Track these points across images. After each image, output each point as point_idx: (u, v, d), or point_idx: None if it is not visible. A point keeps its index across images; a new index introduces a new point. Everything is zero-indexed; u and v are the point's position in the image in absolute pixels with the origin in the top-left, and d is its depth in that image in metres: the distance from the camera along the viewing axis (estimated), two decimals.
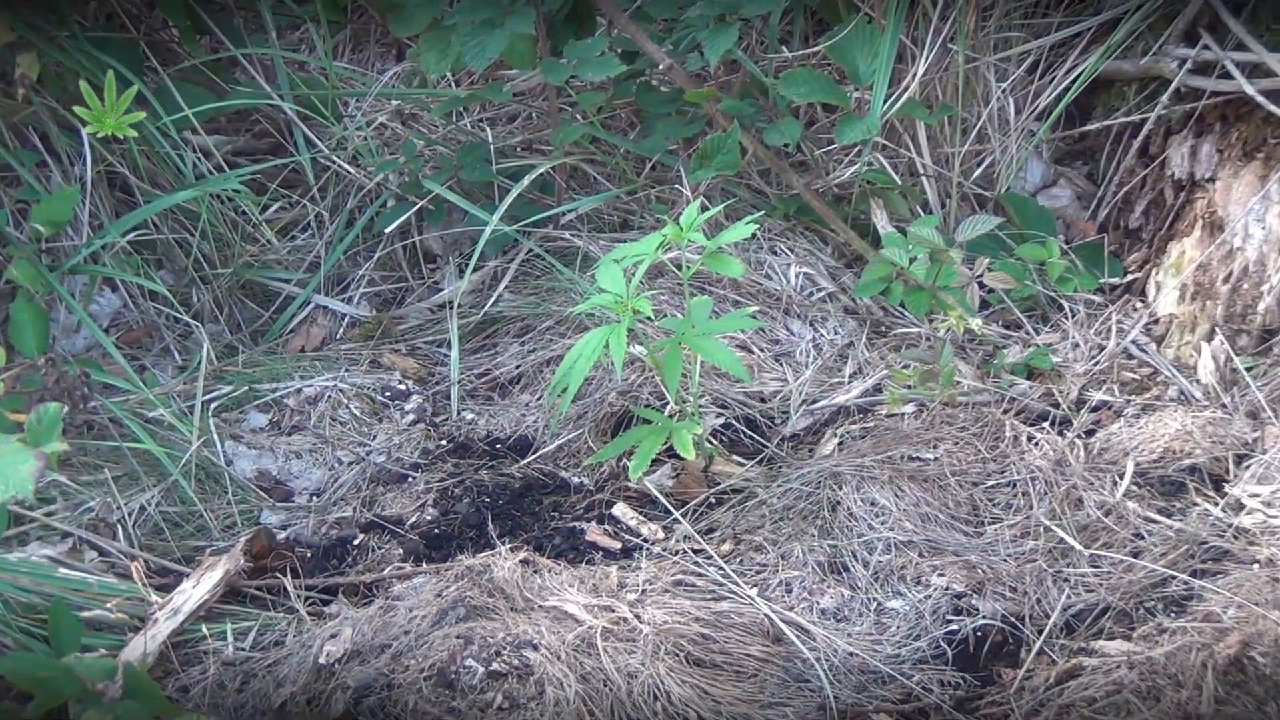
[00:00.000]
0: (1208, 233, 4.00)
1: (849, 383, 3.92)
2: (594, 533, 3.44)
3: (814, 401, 3.87)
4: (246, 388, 3.96)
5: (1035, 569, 3.20)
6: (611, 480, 3.65)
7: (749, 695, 2.92)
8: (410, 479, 3.70)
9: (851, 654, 3.03)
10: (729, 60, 4.36)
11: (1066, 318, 4.08)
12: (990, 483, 3.47)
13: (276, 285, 4.41)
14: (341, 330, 4.35)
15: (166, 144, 4.17)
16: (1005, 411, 3.70)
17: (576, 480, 3.67)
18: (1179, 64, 4.20)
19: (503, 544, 3.34)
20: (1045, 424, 3.67)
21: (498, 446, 3.81)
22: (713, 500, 3.54)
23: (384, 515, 3.55)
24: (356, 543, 3.44)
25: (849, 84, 4.23)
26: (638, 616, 3.02)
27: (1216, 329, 3.88)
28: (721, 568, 3.25)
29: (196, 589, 3.11)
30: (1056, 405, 3.74)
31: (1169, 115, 4.28)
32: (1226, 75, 4.08)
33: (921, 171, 4.37)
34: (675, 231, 3.33)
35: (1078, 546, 3.24)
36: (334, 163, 4.48)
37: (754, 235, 3.86)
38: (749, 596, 3.15)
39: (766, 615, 3.10)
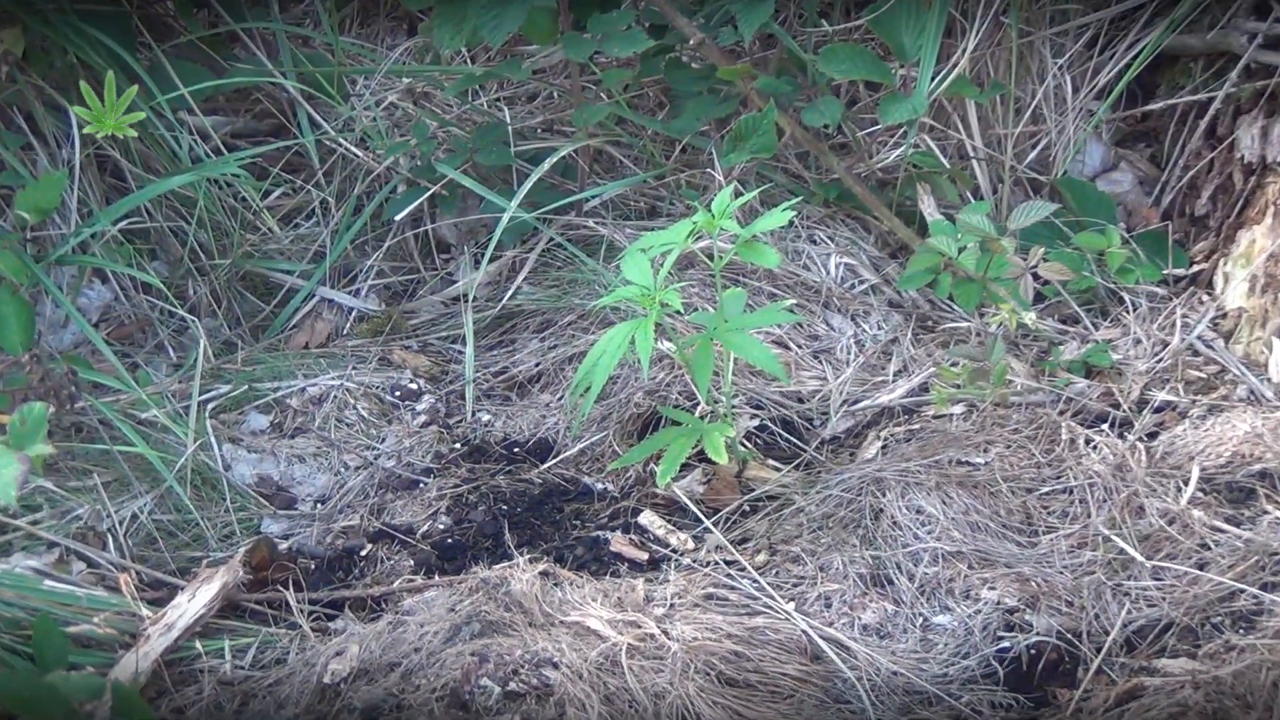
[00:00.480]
0: None
1: (893, 382, 3.92)
2: (619, 543, 3.45)
3: (855, 402, 3.87)
4: (246, 387, 3.97)
5: (1093, 582, 3.19)
6: (638, 486, 3.65)
7: (785, 717, 2.92)
8: (422, 485, 3.71)
9: (895, 673, 3.02)
10: (765, 35, 4.36)
11: (1127, 312, 4.07)
12: (1045, 489, 3.46)
13: (278, 277, 4.42)
14: (348, 325, 4.36)
15: (161, 125, 4.18)
16: (1061, 413, 3.69)
17: (600, 486, 3.67)
18: (1249, 38, 4.19)
19: (521, 555, 3.34)
20: (1104, 426, 3.66)
21: (515, 450, 3.82)
22: (746, 508, 3.54)
23: (393, 524, 3.55)
24: (364, 553, 3.45)
25: (894, 60, 4.23)
26: (665, 633, 3.02)
27: None
28: (756, 580, 3.25)
29: (192, 603, 3.12)
30: (1116, 406, 3.73)
31: (1238, 93, 4.27)
32: None
33: (972, 154, 4.37)
34: (706, 219, 3.33)
35: (1139, 558, 3.23)
36: (340, 145, 4.49)
37: (791, 223, 3.86)
38: (785, 611, 3.15)
39: (804, 631, 3.09)
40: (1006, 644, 3.10)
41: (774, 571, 3.30)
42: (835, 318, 4.08)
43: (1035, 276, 3.99)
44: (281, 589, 3.25)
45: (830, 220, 4.30)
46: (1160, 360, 3.88)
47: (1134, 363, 3.89)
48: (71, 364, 3.66)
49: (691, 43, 4.05)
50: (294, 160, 4.58)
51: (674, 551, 3.41)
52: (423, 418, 3.94)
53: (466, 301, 4.20)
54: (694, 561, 3.35)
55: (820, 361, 3.98)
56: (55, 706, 2.66)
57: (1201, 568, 3.20)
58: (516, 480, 3.69)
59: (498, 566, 3.24)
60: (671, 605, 3.15)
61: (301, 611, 3.19)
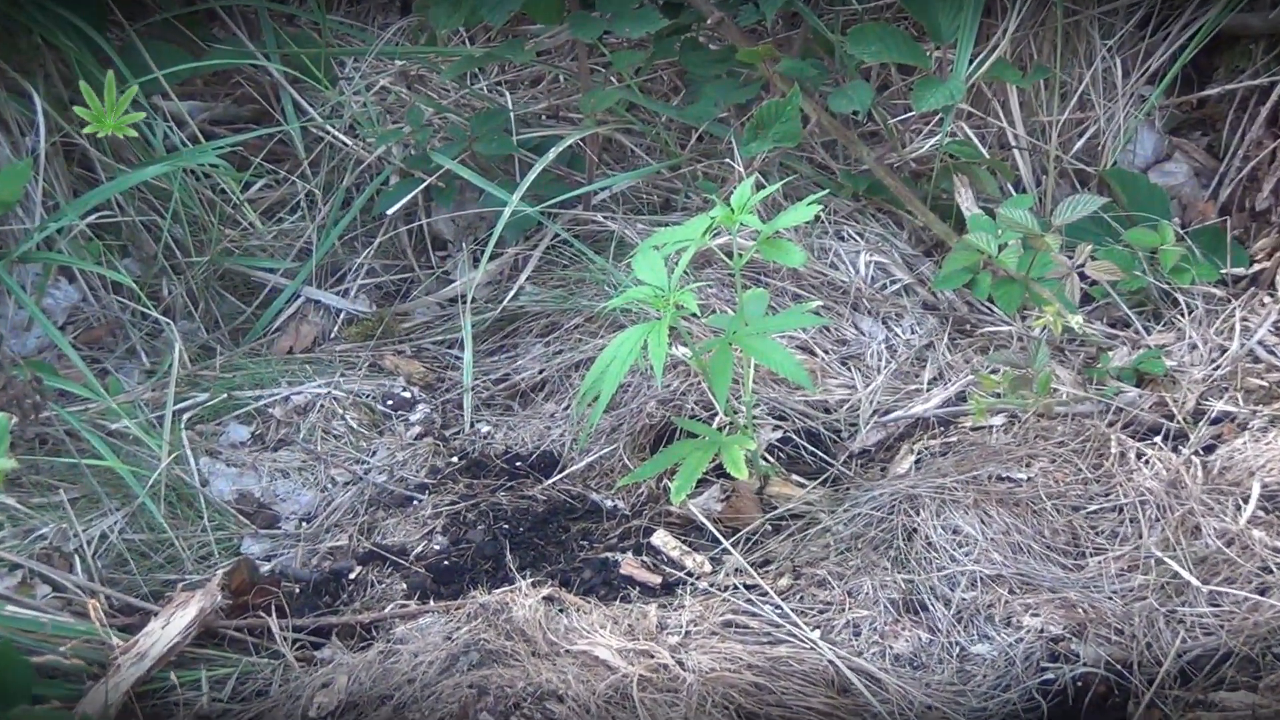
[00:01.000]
0: None
1: (928, 390, 3.92)
2: (630, 565, 3.45)
3: (887, 412, 3.87)
4: (225, 395, 3.97)
5: (1145, 608, 3.19)
6: (650, 504, 3.65)
7: None
8: (416, 502, 3.71)
9: (930, 707, 3.02)
10: (788, 13, 4.37)
11: (1182, 314, 4.07)
12: (1093, 507, 3.46)
13: (260, 276, 4.43)
14: (336, 328, 4.36)
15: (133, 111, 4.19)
16: (1110, 424, 3.69)
17: (609, 504, 3.67)
18: None
19: (523, 578, 3.34)
20: (1157, 439, 3.66)
21: (518, 464, 3.82)
22: (768, 527, 3.54)
23: (385, 544, 3.56)
24: (353, 576, 3.45)
25: (928, 42, 4.23)
26: (680, 663, 3.03)
27: None
28: (778, 606, 3.25)
29: (166, 630, 3.12)
30: (1170, 417, 3.73)
31: None
32: None
33: (1013, 144, 4.37)
34: (725, 213, 3.33)
35: (1194, 582, 3.23)
36: (328, 133, 4.50)
37: (817, 218, 3.86)
38: (810, 640, 3.15)
39: (831, 661, 3.09)
40: (1051, 675, 3.10)
41: (798, 596, 3.30)
42: (865, 321, 4.09)
43: (1082, 276, 3.98)
44: (263, 615, 3.25)
45: (860, 215, 4.31)
46: (1218, 367, 3.88)
47: (1189, 370, 3.88)
48: (36, 370, 3.66)
49: (709, 22, 4.05)
50: (277, 149, 4.59)
51: (689, 574, 3.41)
52: (417, 429, 3.94)
53: (464, 303, 4.20)
54: (711, 585, 3.36)
55: (849, 368, 3.98)
56: None
57: (1262, 593, 3.20)
58: (519, 497, 3.70)
59: (498, 591, 3.25)
60: (687, 633, 3.15)
61: (285, 639, 3.19)
